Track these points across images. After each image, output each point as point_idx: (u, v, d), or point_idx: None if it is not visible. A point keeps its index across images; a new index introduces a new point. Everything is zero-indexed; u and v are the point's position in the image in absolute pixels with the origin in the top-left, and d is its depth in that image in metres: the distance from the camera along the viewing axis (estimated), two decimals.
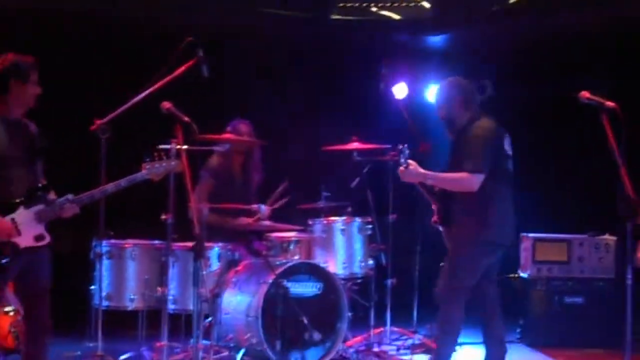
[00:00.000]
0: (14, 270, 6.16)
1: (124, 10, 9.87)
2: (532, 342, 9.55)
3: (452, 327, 7.31)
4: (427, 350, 8.69)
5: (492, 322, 7.44)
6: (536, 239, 9.69)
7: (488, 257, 7.25)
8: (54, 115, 7.58)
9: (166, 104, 7.00)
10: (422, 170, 7.22)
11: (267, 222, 8.27)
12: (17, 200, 6.14)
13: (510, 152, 7.29)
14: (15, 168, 6.19)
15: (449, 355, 7.36)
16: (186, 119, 6.85)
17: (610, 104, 6.45)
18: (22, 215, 6.13)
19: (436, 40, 11.33)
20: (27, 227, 6.13)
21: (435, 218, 7.65)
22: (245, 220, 8.51)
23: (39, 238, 6.22)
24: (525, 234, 9.75)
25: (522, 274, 9.81)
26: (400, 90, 9.47)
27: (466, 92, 7.38)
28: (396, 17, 10.84)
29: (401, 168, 7.21)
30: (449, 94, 7.40)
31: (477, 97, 7.47)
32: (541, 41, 10.66)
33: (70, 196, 6.34)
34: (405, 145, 7.24)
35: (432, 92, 10.86)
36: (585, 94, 6.54)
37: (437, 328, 7.60)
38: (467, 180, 7.11)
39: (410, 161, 7.21)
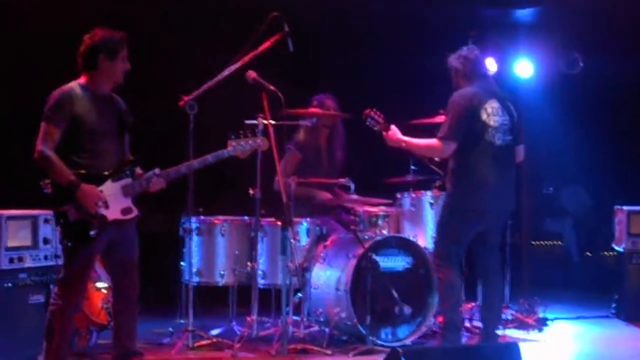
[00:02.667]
0: (102, 244, 6.21)
1: None
2: (628, 316, 9.37)
3: (449, 292, 7.30)
4: (519, 325, 8.58)
5: (488, 290, 7.47)
6: (630, 212, 9.47)
7: (468, 224, 7.27)
8: (143, 91, 7.63)
9: (251, 74, 6.99)
10: (399, 136, 7.44)
11: (355, 196, 8.23)
12: (106, 173, 6.18)
13: (494, 123, 7.22)
14: (104, 142, 6.23)
15: (457, 320, 7.35)
16: (272, 87, 6.82)
17: None
18: (109, 188, 6.17)
19: (525, 13, 11.14)
20: (114, 200, 6.17)
21: (437, 183, 8.21)
22: (329, 195, 8.53)
23: (126, 211, 6.25)
24: (618, 207, 9.55)
25: (617, 248, 9.61)
26: (488, 65, 9.32)
27: (470, 64, 7.41)
28: None
29: (384, 133, 7.46)
30: (452, 66, 7.48)
31: (482, 68, 7.52)
32: (634, 11, 10.41)
33: (157, 170, 6.37)
34: (372, 111, 7.49)
35: (521, 67, 10.78)
36: None
37: (438, 297, 7.64)
38: (436, 147, 7.30)
39: (392, 126, 7.46)
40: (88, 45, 6.25)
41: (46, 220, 7.25)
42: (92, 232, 6.06)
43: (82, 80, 6.28)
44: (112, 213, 6.17)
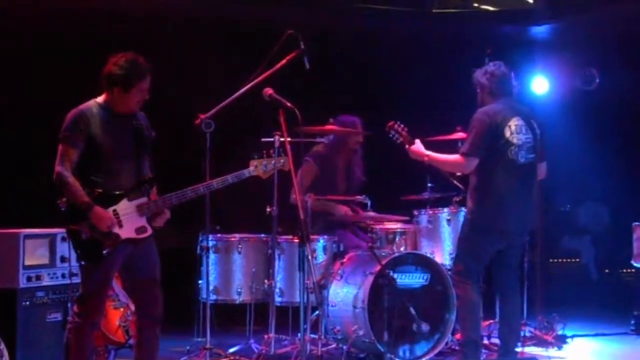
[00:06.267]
0: (117, 262, 6.18)
1: (223, 5, 9.97)
2: None
3: (468, 309, 7.31)
4: (538, 343, 8.52)
5: (507, 308, 7.46)
6: None
7: (490, 242, 7.27)
8: (159, 110, 7.65)
9: (268, 90, 6.98)
10: (423, 150, 7.49)
11: (372, 214, 8.22)
12: (120, 192, 6.17)
13: (517, 140, 7.17)
14: (121, 161, 6.20)
15: (476, 338, 7.34)
16: (289, 104, 6.81)
17: None
18: (124, 207, 6.15)
19: (541, 30, 11.14)
20: (128, 219, 6.15)
21: (457, 199, 8.22)
22: (347, 209, 8.52)
23: (140, 230, 6.22)
24: (637, 223, 9.50)
25: (635, 265, 9.56)
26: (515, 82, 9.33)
27: (496, 80, 7.35)
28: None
29: (407, 146, 7.51)
30: (479, 82, 7.44)
31: (508, 85, 7.43)
32: None
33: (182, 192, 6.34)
34: (395, 123, 7.56)
35: (537, 84, 10.77)
36: None
37: (457, 314, 7.61)
38: (458, 163, 7.32)
39: (416, 140, 7.51)
40: (108, 70, 6.18)
41: (63, 239, 7.27)
42: (104, 251, 6.06)
43: (101, 98, 6.24)
44: (126, 232, 6.14)
